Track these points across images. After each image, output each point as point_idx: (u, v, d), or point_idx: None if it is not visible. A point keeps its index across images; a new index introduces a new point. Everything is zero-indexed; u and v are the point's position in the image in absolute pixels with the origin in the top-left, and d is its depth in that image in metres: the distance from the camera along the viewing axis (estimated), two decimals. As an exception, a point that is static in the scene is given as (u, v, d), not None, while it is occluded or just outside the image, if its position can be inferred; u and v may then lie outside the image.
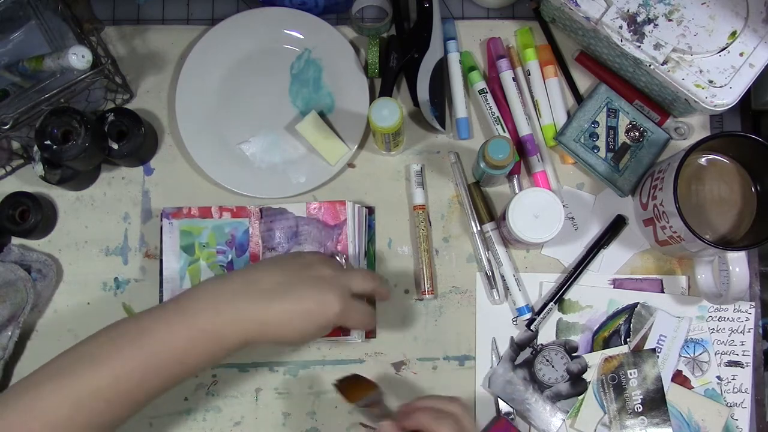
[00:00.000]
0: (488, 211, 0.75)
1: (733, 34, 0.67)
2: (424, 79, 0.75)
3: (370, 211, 0.76)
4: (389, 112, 0.67)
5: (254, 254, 0.74)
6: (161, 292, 0.73)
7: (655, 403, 0.71)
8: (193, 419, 0.73)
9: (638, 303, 0.73)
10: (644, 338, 0.73)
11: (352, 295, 0.61)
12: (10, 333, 0.72)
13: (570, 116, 0.75)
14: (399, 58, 0.76)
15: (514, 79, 0.76)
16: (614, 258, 0.75)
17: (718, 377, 0.72)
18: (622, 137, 0.74)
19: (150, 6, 0.80)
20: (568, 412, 0.71)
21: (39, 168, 0.73)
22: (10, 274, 0.72)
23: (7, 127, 0.66)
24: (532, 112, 0.77)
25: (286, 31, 0.78)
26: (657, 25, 0.67)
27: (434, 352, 0.74)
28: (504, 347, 0.73)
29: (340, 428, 0.73)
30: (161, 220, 0.74)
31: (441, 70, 0.76)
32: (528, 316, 0.73)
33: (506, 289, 0.74)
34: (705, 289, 0.71)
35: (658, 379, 0.71)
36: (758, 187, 0.69)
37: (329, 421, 0.73)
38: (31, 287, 0.72)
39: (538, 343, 0.73)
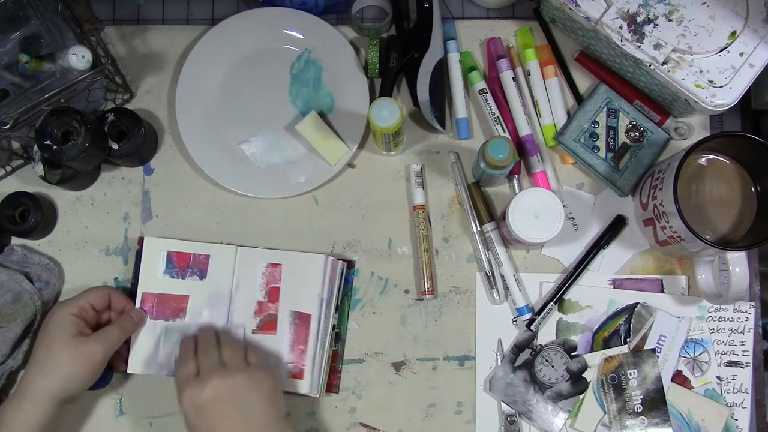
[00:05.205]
0: (488, 211, 0.75)
1: (733, 34, 0.66)
2: (424, 79, 0.75)
3: (350, 264, 0.75)
4: (389, 112, 0.67)
5: None
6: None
7: (655, 403, 0.71)
8: (193, 419, 0.73)
9: (638, 303, 0.73)
10: (644, 338, 0.73)
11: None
12: (21, 344, 0.72)
13: (570, 116, 0.75)
14: (399, 58, 0.76)
15: (514, 79, 0.76)
16: (614, 258, 0.75)
17: (718, 377, 0.72)
18: (622, 137, 0.74)
19: (150, 6, 0.80)
20: (570, 411, 0.71)
21: (39, 168, 0.73)
22: (15, 284, 0.72)
23: (7, 127, 0.66)
24: (532, 112, 0.76)
25: (286, 31, 0.78)
26: (657, 25, 0.67)
27: (434, 352, 0.74)
28: (507, 347, 0.73)
29: (340, 428, 0.73)
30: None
31: (441, 70, 0.76)
32: (528, 316, 0.73)
33: (506, 289, 0.74)
34: (705, 289, 0.71)
35: (658, 379, 0.71)
36: (758, 187, 0.69)
37: (329, 421, 0.73)
38: (38, 299, 0.72)
39: (537, 344, 0.73)
